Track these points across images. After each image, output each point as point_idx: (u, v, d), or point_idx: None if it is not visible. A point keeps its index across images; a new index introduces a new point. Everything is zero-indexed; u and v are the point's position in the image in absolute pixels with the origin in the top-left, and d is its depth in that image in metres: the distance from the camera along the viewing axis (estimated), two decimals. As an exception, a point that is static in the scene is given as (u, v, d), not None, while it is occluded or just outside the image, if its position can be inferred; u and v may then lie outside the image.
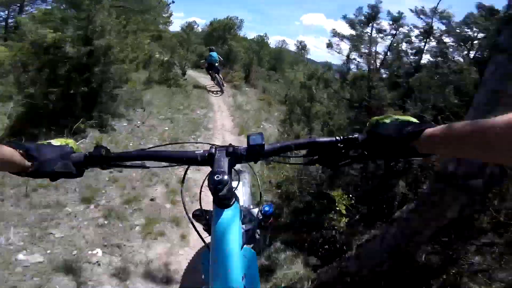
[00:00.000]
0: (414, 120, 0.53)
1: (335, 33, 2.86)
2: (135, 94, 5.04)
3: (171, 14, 19.77)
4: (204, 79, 9.93)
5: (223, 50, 14.41)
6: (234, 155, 0.61)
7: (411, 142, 0.49)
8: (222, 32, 24.67)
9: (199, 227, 0.77)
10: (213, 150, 0.61)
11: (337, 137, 0.59)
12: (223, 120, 5.93)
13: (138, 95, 5.23)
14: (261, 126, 6.04)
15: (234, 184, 0.66)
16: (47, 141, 0.60)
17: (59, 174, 0.57)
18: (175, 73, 8.47)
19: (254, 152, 0.60)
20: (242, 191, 1.18)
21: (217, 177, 0.54)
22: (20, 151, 0.53)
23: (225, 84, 8.94)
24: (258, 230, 0.92)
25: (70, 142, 0.63)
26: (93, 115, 3.81)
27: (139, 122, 4.47)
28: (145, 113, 5.00)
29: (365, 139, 0.57)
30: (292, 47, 28.13)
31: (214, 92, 8.76)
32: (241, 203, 0.95)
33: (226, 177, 0.54)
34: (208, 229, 0.81)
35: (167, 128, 4.50)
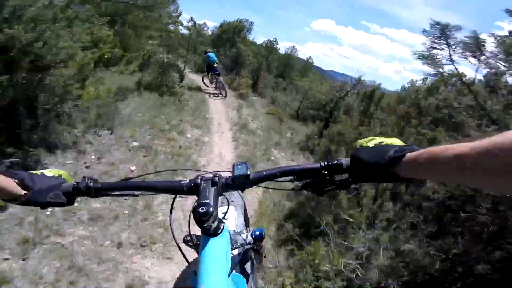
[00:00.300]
0: (398, 142, 0.53)
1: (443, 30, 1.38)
2: (101, 109, 3.62)
3: (180, 14, 18.32)
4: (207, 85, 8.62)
5: (231, 53, 13.48)
6: (220, 185, 0.61)
7: (392, 167, 0.49)
8: (231, 34, 23.64)
9: (190, 251, 0.76)
10: (199, 180, 0.61)
11: (321, 163, 0.59)
12: (222, 146, 4.46)
13: (108, 110, 3.82)
14: (272, 158, 4.55)
15: (224, 209, 0.71)
16: (41, 171, 0.63)
17: (50, 204, 0.59)
18: (171, 77, 7.11)
19: (240, 182, 0.61)
20: (234, 214, 1.11)
21: (202, 209, 0.54)
22: (16, 180, 0.56)
23: (227, 89, 7.99)
24: (251, 254, 0.93)
25: (63, 173, 0.65)
26: (8, 151, 2.37)
27: (93, 158, 3.00)
28: (113, 137, 3.56)
29: (349, 165, 0.57)
30: (301, 53, 26.81)
31: (214, 95, 7.81)
32: (233, 227, 1.02)
33: (211, 209, 0.54)
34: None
35: (133, 168, 3.02)
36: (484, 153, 0.33)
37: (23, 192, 0.56)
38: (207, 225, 0.54)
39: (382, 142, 0.53)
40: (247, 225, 1.16)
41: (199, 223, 0.54)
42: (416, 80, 5.39)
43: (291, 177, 0.62)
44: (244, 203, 0.89)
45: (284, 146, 5.42)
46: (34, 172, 0.61)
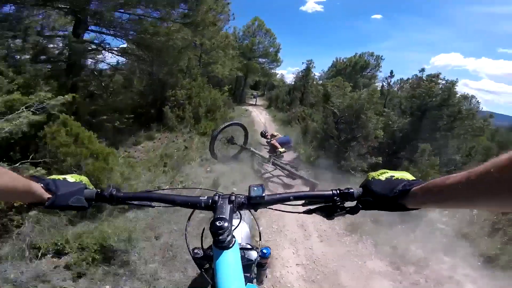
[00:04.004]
0: (409, 176, 0.61)
1: None
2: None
3: (279, 60, 18.95)
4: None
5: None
6: (236, 203, 0.67)
7: (401, 199, 0.57)
8: (350, 73, 20.71)
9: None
10: (217, 198, 0.68)
11: (333, 191, 0.65)
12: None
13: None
14: None
15: (235, 222, 0.73)
16: (63, 176, 0.66)
17: (72, 207, 0.63)
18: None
19: (255, 201, 0.67)
20: (243, 230, 1.22)
21: (219, 223, 0.60)
22: (42, 185, 0.61)
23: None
24: (255, 269, 0.99)
25: (84, 178, 0.69)
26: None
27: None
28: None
29: (360, 194, 0.64)
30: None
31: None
32: (239, 240, 1.09)
33: (226, 223, 0.61)
34: (205, 267, 0.84)
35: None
36: (484, 172, 0.36)
37: (47, 196, 0.60)
38: (222, 238, 0.59)
39: (393, 176, 0.61)
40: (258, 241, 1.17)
41: (215, 235, 0.59)
42: None
43: (302, 201, 0.68)
44: (257, 222, 0.92)
45: None
46: (57, 177, 0.64)
